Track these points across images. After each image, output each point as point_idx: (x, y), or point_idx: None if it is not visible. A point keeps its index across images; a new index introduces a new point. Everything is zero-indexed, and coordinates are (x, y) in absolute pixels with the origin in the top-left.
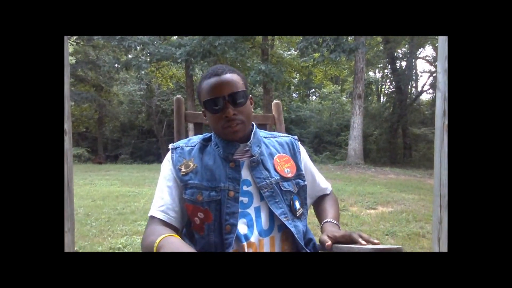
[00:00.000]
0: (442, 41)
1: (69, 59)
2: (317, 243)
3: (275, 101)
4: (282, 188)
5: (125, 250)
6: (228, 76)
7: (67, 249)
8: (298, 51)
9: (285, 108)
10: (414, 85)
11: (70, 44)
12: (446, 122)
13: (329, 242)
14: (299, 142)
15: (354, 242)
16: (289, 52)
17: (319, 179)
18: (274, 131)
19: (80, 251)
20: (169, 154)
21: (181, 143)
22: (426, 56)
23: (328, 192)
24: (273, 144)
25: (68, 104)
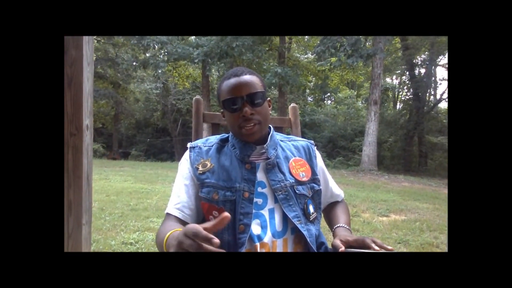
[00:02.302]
0: None
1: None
2: (329, 247)
3: (292, 104)
4: (297, 191)
5: (137, 245)
6: (247, 77)
7: (84, 241)
8: (315, 54)
9: (300, 112)
10: (432, 92)
11: None
12: None
13: (342, 248)
14: (315, 147)
15: (367, 247)
16: (305, 56)
17: (332, 185)
18: (289, 134)
19: (94, 244)
20: (187, 153)
21: (199, 142)
22: (446, 63)
23: (340, 200)
24: (289, 148)
25: (90, 101)
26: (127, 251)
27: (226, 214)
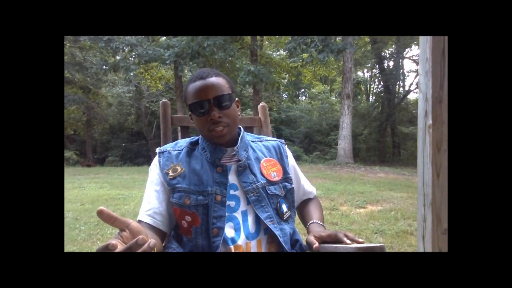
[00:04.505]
0: (423, 42)
1: None
2: (304, 243)
3: (261, 103)
4: (269, 192)
5: None
6: (214, 79)
7: None
8: (286, 51)
9: (275, 109)
10: (401, 84)
11: None
12: (429, 123)
13: (316, 244)
14: (286, 146)
15: (340, 241)
16: (278, 53)
17: (305, 183)
18: (260, 134)
19: None
20: (156, 158)
21: (168, 147)
22: (413, 56)
23: (312, 197)
24: (260, 148)
25: None
26: None
27: (142, 236)
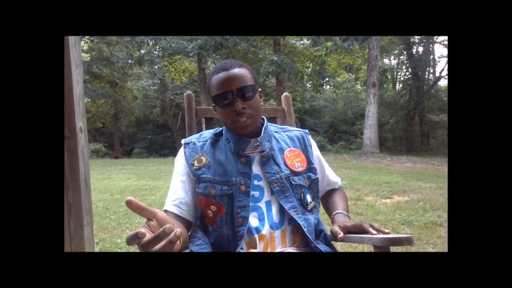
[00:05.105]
0: None
1: (84, 56)
2: (328, 233)
3: (284, 94)
4: (293, 182)
5: None
6: (237, 70)
7: (86, 242)
8: (310, 40)
9: (299, 99)
10: (431, 71)
11: (85, 41)
12: None
13: (341, 234)
14: (310, 136)
15: (365, 232)
16: (301, 42)
17: (329, 173)
18: (284, 124)
19: (101, 243)
20: (182, 150)
21: (193, 138)
22: (444, 40)
23: (337, 187)
24: (284, 139)
25: (82, 103)
26: (133, 248)
27: (169, 225)
